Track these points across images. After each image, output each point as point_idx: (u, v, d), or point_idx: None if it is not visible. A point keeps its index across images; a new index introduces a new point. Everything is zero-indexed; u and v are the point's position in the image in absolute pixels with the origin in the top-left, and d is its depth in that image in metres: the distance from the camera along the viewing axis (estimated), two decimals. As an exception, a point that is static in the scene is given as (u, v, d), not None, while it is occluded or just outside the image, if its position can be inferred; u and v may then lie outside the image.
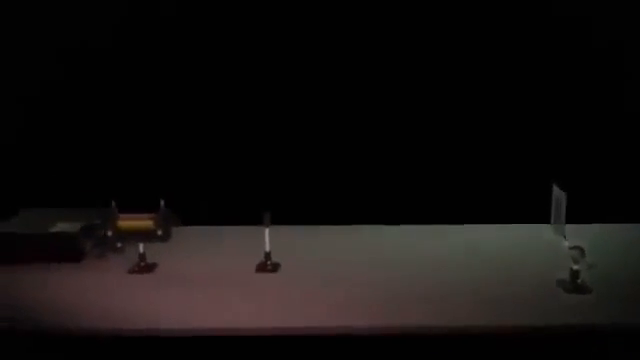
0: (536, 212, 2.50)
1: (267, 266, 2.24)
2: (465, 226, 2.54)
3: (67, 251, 2.29)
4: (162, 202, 2.21)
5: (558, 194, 2.27)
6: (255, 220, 2.45)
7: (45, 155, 2.73)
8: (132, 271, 2.21)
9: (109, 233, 2.18)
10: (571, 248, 2.08)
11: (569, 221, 2.26)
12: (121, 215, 2.19)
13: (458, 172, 2.69)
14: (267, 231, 2.23)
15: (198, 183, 2.66)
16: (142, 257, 2.23)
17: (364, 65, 2.69)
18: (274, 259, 2.24)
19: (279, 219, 2.25)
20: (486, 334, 1.83)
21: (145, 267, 2.23)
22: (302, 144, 2.71)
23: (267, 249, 2.25)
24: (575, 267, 2.06)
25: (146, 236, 2.20)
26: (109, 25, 2.62)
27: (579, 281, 2.05)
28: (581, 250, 2.05)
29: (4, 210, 2.50)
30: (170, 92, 2.69)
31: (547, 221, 2.46)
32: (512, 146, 2.66)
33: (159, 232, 2.19)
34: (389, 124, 2.70)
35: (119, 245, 2.22)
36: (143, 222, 2.19)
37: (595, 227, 2.43)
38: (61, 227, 2.32)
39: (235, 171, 2.71)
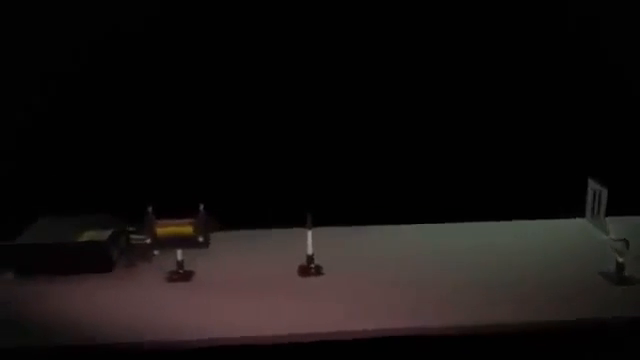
0: (567, 207, 2.52)
1: (310, 269, 2.18)
2: (501, 223, 2.53)
3: (98, 260, 2.17)
4: (201, 206, 2.12)
5: (597, 188, 2.29)
6: (285, 222, 2.41)
7: (59, 160, 2.59)
8: (171, 279, 2.11)
9: (148, 240, 2.07)
10: (615, 240, 2.09)
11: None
12: (158, 221, 2.09)
13: (489, 170, 2.68)
14: (310, 233, 2.16)
15: (230, 186, 2.57)
16: (180, 265, 2.14)
17: (389, 63, 2.65)
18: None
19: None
20: (547, 329, 1.83)
21: (184, 275, 2.13)
22: (333, 146, 2.66)
23: (310, 252, 2.18)
24: (620, 259, 2.07)
25: (186, 242, 2.10)
26: (129, 22, 2.50)
27: (625, 273, 2.07)
28: (626, 242, 2.07)
29: (21, 217, 2.36)
30: (201, 94, 2.61)
31: (580, 216, 2.48)
32: (542, 142, 2.67)
33: (200, 238, 2.10)
34: (422, 124, 2.68)
35: (155, 253, 2.12)
36: (182, 228, 2.10)
37: (634, 219, 2.45)
38: (90, 236, 2.21)
39: (264, 173, 2.64)
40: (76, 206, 2.46)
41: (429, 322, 1.81)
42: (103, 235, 2.21)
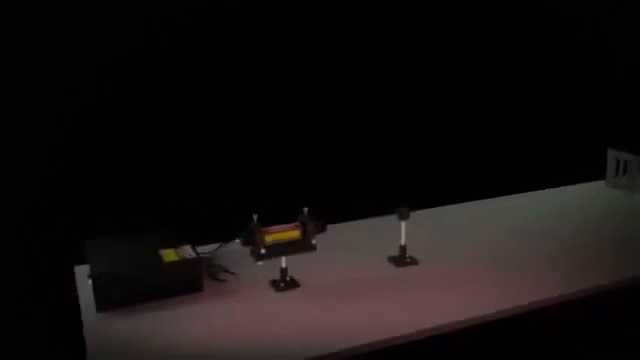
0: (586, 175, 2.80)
1: (406, 259, 2.17)
2: (546, 191, 2.75)
3: (191, 280, 1.95)
4: (305, 209, 2.00)
5: (627, 157, 2.57)
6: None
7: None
8: (279, 289, 1.97)
9: (262, 251, 1.91)
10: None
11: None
12: (263, 229, 1.94)
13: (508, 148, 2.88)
14: (403, 224, 2.15)
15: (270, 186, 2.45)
16: (285, 272, 2.00)
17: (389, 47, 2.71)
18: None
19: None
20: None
21: (291, 282, 2.00)
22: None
23: (403, 242, 2.18)
24: None
25: (296, 247, 1.97)
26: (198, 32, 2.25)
27: None
28: None
29: (63, 244, 2.03)
30: (260, 96, 2.43)
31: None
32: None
33: (313, 241, 1.98)
34: (443, 103, 2.77)
35: (260, 264, 1.96)
36: (290, 232, 1.96)
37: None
38: (171, 255, 1.96)
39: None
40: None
41: (547, 295, 1.89)
42: (186, 252, 1.98)
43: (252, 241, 1.91)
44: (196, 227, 2.31)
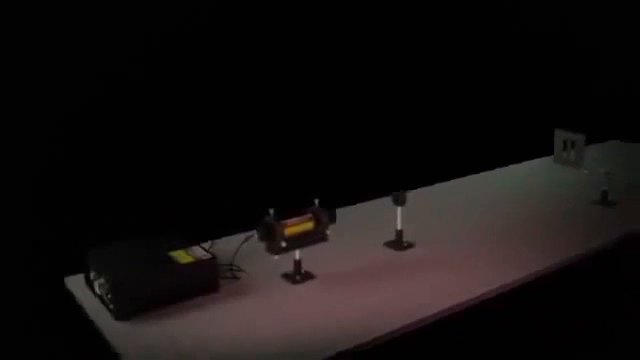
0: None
1: (403, 244, 2.25)
2: (495, 171, 2.96)
3: (208, 281, 1.90)
4: (316, 200, 2.01)
5: (573, 137, 2.83)
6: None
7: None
8: (296, 282, 1.97)
9: (282, 244, 1.89)
10: (600, 173, 2.65)
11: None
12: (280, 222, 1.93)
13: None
14: (399, 210, 2.23)
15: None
16: (299, 264, 2.01)
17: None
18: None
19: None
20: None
21: (306, 274, 2.01)
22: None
23: (399, 227, 2.25)
24: (604, 187, 2.64)
25: (312, 238, 1.98)
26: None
27: (608, 198, 2.64)
28: (607, 173, 2.64)
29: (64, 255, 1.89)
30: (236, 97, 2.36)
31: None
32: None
33: (328, 231, 1.99)
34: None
35: (276, 258, 1.95)
36: (305, 224, 1.97)
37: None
38: (183, 256, 1.90)
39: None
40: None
41: (541, 267, 2.04)
42: (197, 253, 1.92)
43: (271, 235, 1.89)
44: (190, 226, 2.23)
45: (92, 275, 1.86)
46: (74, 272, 2.00)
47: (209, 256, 1.89)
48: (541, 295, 2.33)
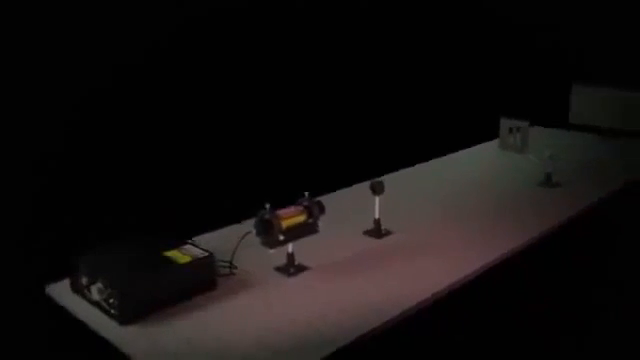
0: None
1: (382, 232, 2.33)
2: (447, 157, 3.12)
3: (206, 279, 1.88)
4: (307, 193, 2.04)
5: (519, 124, 3.03)
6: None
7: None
8: (291, 274, 2.00)
9: (280, 237, 1.91)
10: (545, 157, 2.87)
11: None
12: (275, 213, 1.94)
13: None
14: (377, 199, 2.30)
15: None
16: (292, 257, 2.03)
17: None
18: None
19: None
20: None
21: (300, 267, 2.04)
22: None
23: (377, 216, 2.32)
24: (548, 170, 2.86)
25: (306, 230, 2.01)
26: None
27: (552, 180, 2.86)
28: (551, 156, 2.86)
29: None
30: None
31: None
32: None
33: (320, 223, 2.03)
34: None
35: (272, 252, 1.96)
36: (298, 217, 1.99)
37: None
38: (178, 255, 1.87)
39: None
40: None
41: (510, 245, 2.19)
42: (191, 251, 1.90)
43: (268, 229, 1.90)
44: (168, 224, 2.19)
45: (84, 281, 1.79)
46: (55, 279, 1.90)
47: (206, 254, 1.87)
48: (517, 271, 2.47)
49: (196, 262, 1.83)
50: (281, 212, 1.95)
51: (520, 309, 2.57)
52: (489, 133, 3.35)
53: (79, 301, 1.82)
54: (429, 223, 2.39)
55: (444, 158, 3.14)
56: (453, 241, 2.23)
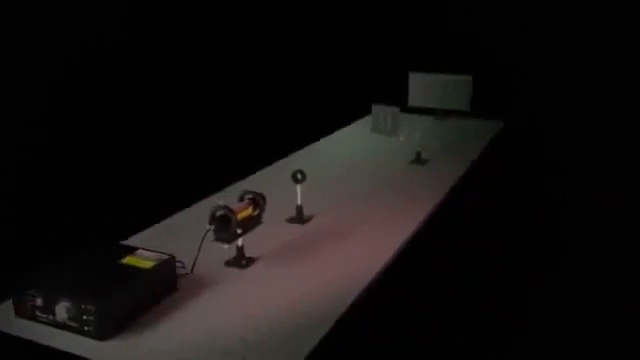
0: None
1: (304, 218, 2.44)
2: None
3: (169, 282, 1.84)
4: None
5: (390, 109, 3.33)
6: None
7: None
8: (243, 266, 2.03)
9: (239, 231, 1.92)
10: (416, 138, 3.23)
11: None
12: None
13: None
14: (299, 187, 2.41)
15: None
16: (242, 249, 2.06)
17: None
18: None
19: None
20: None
21: (250, 259, 2.07)
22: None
23: (299, 202, 2.43)
24: (418, 149, 3.22)
25: (254, 223, 2.05)
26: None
27: (421, 157, 3.22)
28: (418, 137, 3.23)
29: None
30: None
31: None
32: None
33: (264, 215, 2.08)
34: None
35: (226, 247, 1.97)
36: (248, 210, 2.03)
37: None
38: (138, 261, 1.80)
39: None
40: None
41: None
42: (145, 255, 1.84)
43: (228, 225, 1.91)
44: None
45: (40, 301, 1.63)
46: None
47: (166, 256, 1.82)
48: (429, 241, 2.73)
49: (161, 265, 1.77)
50: (234, 207, 1.96)
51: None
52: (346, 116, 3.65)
53: (31, 325, 1.65)
54: (340, 205, 2.53)
55: (319, 143, 3.35)
56: (368, 222, 2.38)
